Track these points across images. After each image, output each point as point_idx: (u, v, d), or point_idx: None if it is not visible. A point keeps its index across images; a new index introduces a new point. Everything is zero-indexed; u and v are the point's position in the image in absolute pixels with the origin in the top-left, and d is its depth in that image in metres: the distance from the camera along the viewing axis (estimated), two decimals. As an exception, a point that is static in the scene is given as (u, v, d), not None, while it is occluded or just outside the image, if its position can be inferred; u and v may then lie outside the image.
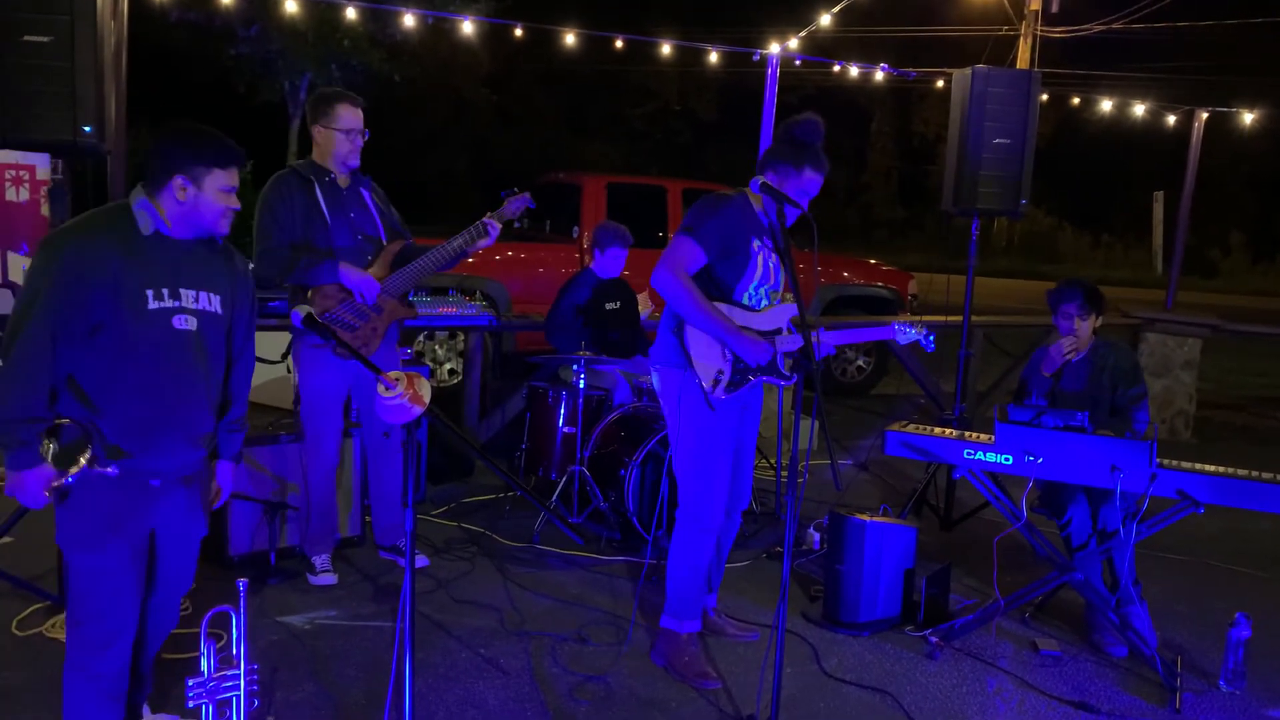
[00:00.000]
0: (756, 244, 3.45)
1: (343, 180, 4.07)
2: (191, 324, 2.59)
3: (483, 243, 4.03)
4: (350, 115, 4.00)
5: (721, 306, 3.42)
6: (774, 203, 3.33)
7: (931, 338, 3.78)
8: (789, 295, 3.58)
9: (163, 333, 2.54)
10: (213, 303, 2.65)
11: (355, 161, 4.05)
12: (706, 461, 3.48)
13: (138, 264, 2.51)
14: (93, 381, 2.49)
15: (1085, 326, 4.19)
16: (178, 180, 2.50)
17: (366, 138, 4.06)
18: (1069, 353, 4.19)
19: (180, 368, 2.58)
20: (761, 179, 3.37)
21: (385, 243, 4.11)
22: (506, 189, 4.11)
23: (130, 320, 2.49)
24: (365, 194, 4.13)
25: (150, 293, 2.52)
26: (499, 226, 4.03)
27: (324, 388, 4.09)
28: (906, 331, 3.75)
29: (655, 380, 3.60)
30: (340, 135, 3.99)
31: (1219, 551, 5.21)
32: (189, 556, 2.81)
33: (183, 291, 2.58)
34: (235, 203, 2.60)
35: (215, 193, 2.54)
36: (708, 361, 3.43)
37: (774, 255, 3.51)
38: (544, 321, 5.48)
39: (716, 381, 3.43)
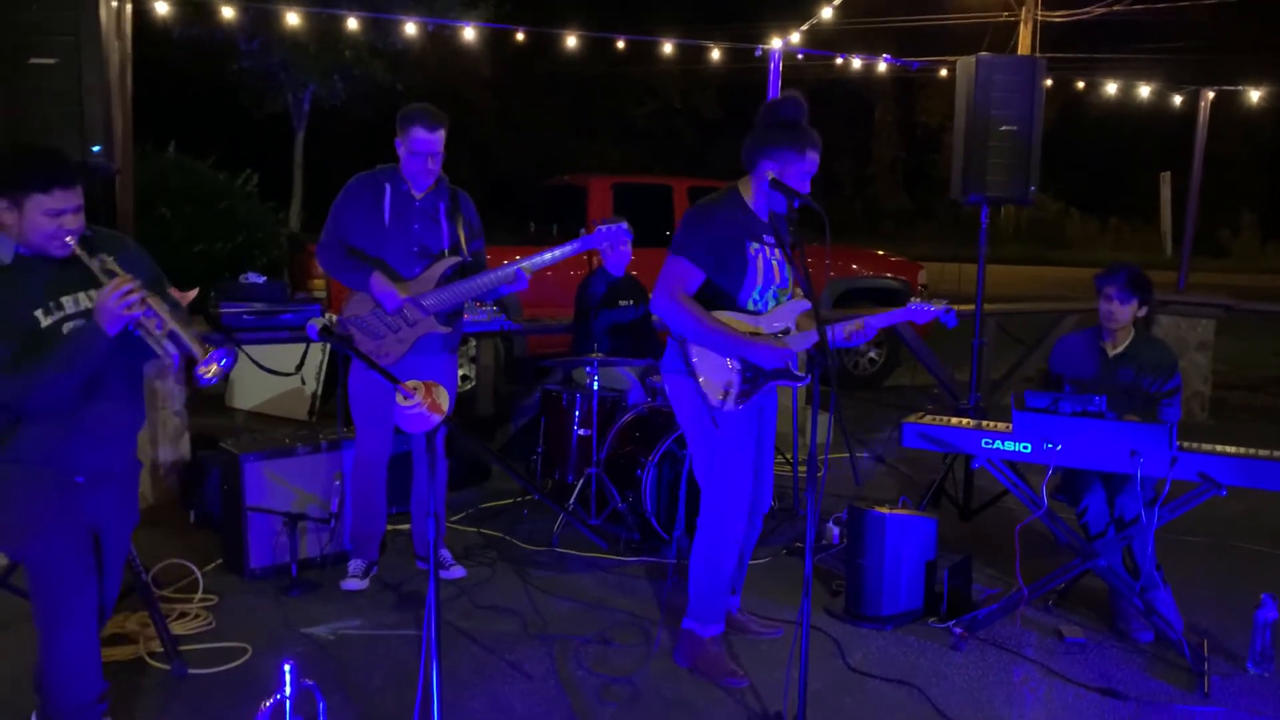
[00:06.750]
0: (754, 247, 3.38)
1: (416, 193, 4.08)
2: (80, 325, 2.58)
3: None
4: (423, 138, 3.94)
5: (728, 314, 3.36)
6: (782, 196, 3.29)
7: (952, 313, 3.74)
8: (798, 291, 3.56)
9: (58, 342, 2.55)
10: (94, 299, 2.59)
11: (427, 181, 4.05)
12: (725, 470, 3.43)
13: (13, 289, 2.51)
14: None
15: (1124, 312, 4.12)
16: (1, 204, 2.46)
17: (440, 159, 4.02)
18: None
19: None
20: (771, 176, 3.30)
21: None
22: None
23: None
24: (441, 207, 4.11)
25: (38, 312, 2.53)
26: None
27: (362, 387, 4.13)
28: (925, 310, 3.70)
29: (666, 388, 3.57)
30: (410, 156, 3.99)
31: (1242, 533, 5.18)
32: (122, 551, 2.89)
33: (63, 300, 2.58)
34: (71, 223, 2.51)
35: (39, 216, 2.45)
36: (714, 376, 3.36)
37: (777, 252, 3.44)
38: (572, 327, 5.51)
39: (726, 394, 3.37)
